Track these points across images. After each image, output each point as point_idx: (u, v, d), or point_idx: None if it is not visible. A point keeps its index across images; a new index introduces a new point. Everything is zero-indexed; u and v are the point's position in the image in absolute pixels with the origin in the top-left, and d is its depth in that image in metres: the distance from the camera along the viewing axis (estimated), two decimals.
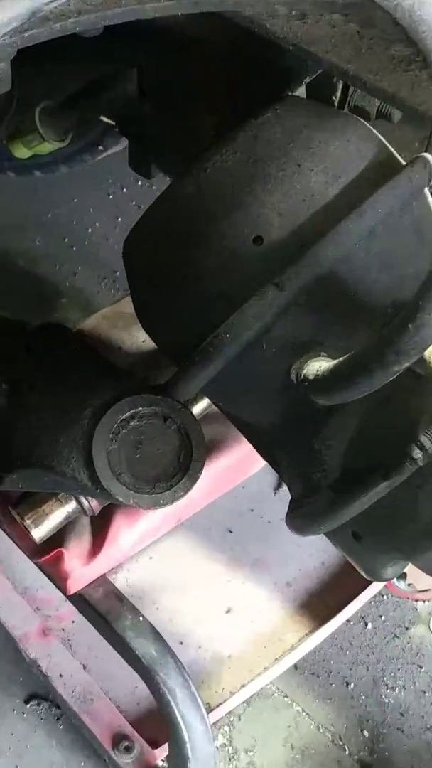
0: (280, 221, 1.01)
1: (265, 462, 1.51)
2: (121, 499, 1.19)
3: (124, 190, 2.32)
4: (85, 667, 1.63)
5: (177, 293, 1.07)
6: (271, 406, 1.09)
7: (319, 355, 1.02)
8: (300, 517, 1.10)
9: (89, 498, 1.29)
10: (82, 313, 2.06)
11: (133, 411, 1.18)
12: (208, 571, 1.70)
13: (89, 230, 2.26)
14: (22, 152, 1.45)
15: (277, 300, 1.00)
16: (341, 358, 0.95)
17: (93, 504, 1.30)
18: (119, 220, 2.26)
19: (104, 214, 2.27)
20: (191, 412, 1.20)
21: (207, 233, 1.03)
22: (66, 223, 2.25)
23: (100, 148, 1.79)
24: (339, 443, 1.05)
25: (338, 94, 1.26)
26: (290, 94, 1.17)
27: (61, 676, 1.62)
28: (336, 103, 1.26)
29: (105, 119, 1.49)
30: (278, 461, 1.15)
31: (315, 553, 1.75)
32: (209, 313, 1.03)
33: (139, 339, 1.55)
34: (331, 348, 1.02)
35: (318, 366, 1.00)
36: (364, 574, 1.15)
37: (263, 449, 1.19)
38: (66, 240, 2.24)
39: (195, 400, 1.34)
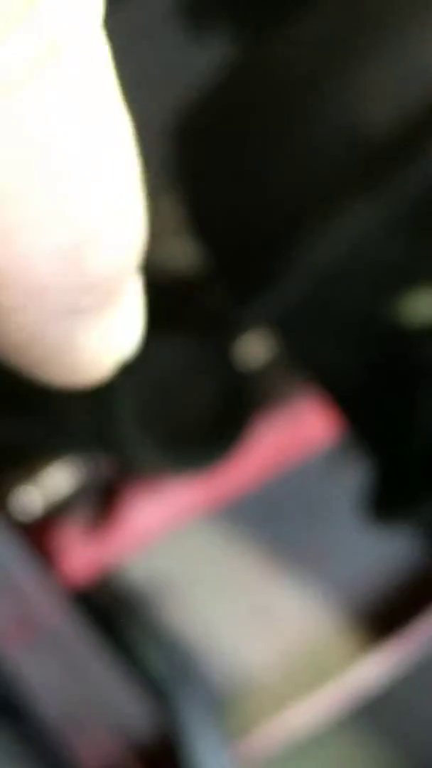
0: (388, 108, 1.00)
1: (328, 429, 1.54)
2: (142, 462, 1.19)
3: (161, 53, 2.30)
4: (74, 678, 1.64)
5: (242, 195, 1.06)
6: (357, 352, 1.09)
7: (428, 290, 1.03)
8: (384, 500, 1.11)
9: (100, 460, 1.29)
10: None
11: (168, 348, 1.18)
12: (241, 565, 1.70)
13: None
14: None
15: (377, 213, 0.99)
16: None
17: (104, 467, 1.30)
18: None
19: (133, 83, 2.26)
20: (244, 357, 1.20)
21: (288, 119, 1.03)
22: None
23: None
24: None
25: None
26: None
27: (43, 687, 1.64)
28: None
29: None
30: (359, 425, 1.16)
31: (383, 551, 1.75)
32: (283, 227, 1.03)
33: (178, 252, 1.55)
34: None
35: (427, 304, 1.00)
36: None
37: (340, 408, 1.19)
38: None
39: (248, 340, 1.34)
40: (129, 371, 1.13)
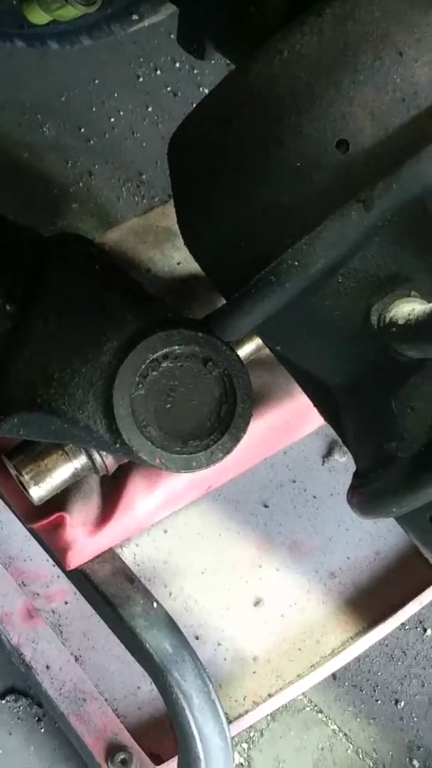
0: (372, 123, 1.01)
1: (317, 424, 1.55)
2: (144, 458, 1.19)
3: (158, 72, 2.30)
4: (77, 659, 1.65)
5: (233, 205, 1.06)
6: (341, 355, 1.09)
7: (409, 295, 1.03)
8: (367, 495, 1.10)
9: (103, 454, 1.29)
10: (97, 223, 2.06)
11: (167, 349, 1.19)
12: (235, 552, 1.71)
13: (111, 120, 2.25)
14: (38, 17, 1.44)
15: (361, 221, 1.00)
16: None
17: (107, 461, 1.30)
18: (149, 109, 2.25)
19: (131, 101, 2.26)
20: (238, 356, 1.21)
21: (278, 132, 1.03)
22: (83, 109, 2.24)
23: (134, 16, 1.76)
24: (425, 406, 1.05)
25: None
26: None
27: (47, 668, 1.64)
28: None
29: None
30: (344, 424, 1.16)
31: (368, 539, 1.76)
32: (274, 233, 1.04)
33: (173, 260, 1.55)
34: (424, 286, 1.03)
35: (409, 308, 1.00)
36: None
37: (326, 408, 1.19)
38: (82, 130, 2.23)
39: (242, 341, 1.34)
40: (135, 372, 1.14)
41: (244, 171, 1.05)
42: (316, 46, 1.04)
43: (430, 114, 1.00)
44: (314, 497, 1.76)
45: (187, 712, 1.41)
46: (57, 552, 1.44)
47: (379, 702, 1.79)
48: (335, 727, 1.77)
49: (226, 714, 1.48)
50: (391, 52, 1.02)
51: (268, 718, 1.73)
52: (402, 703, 1.79)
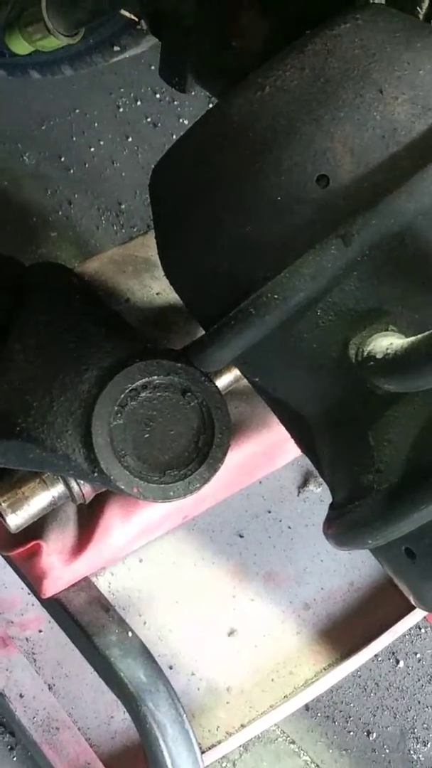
0: (351, 159, 1.02)
1: (294, 455, 1.55)
2: (122, 487, 1.20)
3: (138, 102, 2.31)
4: (50, 688, 1.64)
5: (215, 238, 1.07)
6: (319, 387, 1.10)
7: (387, 329, 1.04)
8: (343, 526, 1.11)
9: (80, 482, 1.29)
10: (76, 252, 2.06)
11: (146, 380, 1.19)
12: (210, 582, 1.71)
13: (91, 149, 2.26)
14: (21, 47, 1.45)
15: (340, 256, 1.01)
16: (420, 335, 0.96)
17: (84, 490, 1.30)
18: (129, 139, 2.26)
19: (111, 131, 2.27)
20: (217, 387, 1.21)
21: (258, 167, 1.04)
22: (63, 138, 2.26)
23: (116, 48, 1.78)
24: (401, 439, 1.05)
25: (425, 4, 1.25)
26: (372, 0, 1.17)
27: (20, 696, 1.63)
28: (422, 16, 1.25)
29: (125, 14, 1.48)
30: (320, 455, 1.16)
31: (342, 571, 1.76)
32: (254, 267, 1.05)
33: (152, 290, 1.56)
34: (401, 320, 1.04)
35: (387, 343, 1.01)
36: (413, 601, 1.16)
37: (303, 439, 1.20)
38: (62, 159, 2.24)
39: (220, 372, 1.34)
40: (114, 402, 1.14)
41: (225, 204, 1.06)
42: (297, 82, 1.05)
43: (409, 151, 1.01)
44: (289, 528, 1.76)
45: (161, 741, 1.41)
46: (32, 580, 1.43)
47: (351, 733, 1.80)
48: (308, 758, 1.77)
49: (199, 744, 1.48)
50: (371, 90, 1.03)
51: (241, 748, 1.73)
52: (374, 735, 1.80)
